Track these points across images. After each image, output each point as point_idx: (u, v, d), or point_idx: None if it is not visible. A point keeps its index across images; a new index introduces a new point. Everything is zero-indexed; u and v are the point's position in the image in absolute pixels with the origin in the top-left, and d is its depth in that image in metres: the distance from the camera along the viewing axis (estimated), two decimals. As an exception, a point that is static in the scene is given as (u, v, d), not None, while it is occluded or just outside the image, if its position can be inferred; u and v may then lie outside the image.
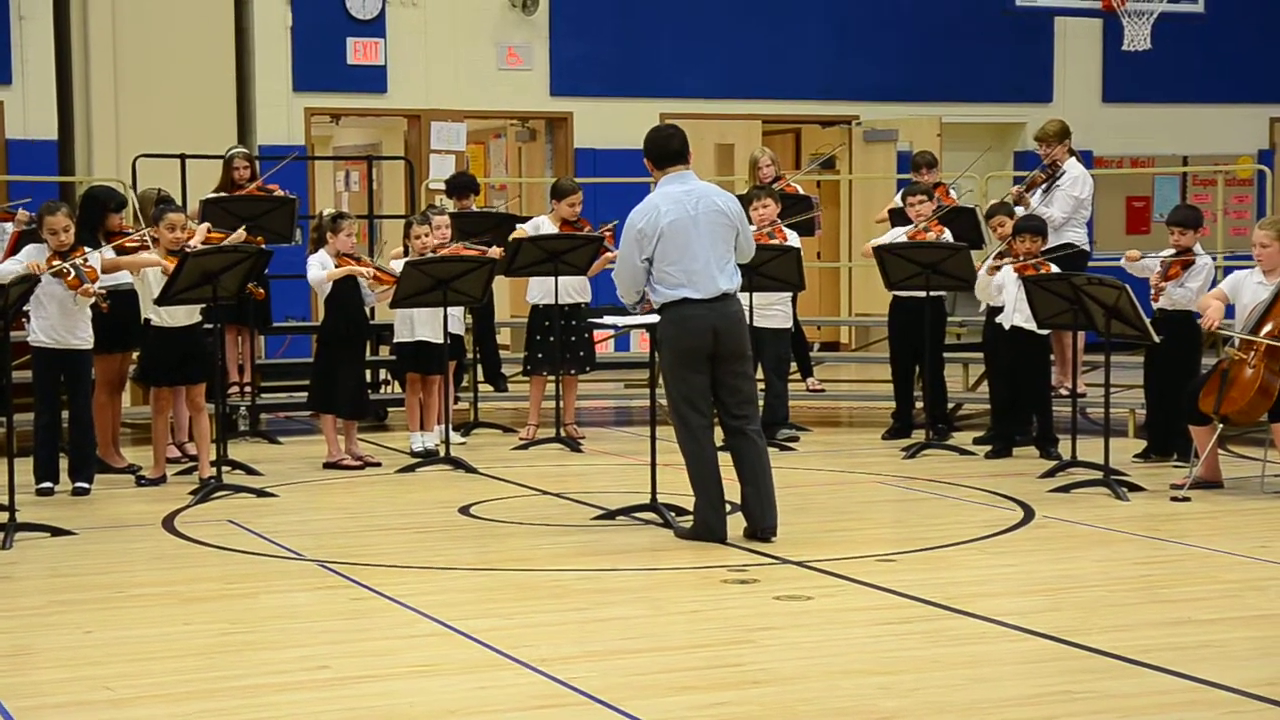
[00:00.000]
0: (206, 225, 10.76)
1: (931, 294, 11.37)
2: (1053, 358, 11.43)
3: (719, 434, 8.24)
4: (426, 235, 11.13)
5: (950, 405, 12.41)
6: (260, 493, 9.68)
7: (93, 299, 9.45)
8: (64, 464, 9.78)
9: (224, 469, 9.84)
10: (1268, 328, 9.29)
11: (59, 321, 9.47)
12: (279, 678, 5.74)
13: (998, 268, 10.84)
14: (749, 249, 8.37)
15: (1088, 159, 13.64)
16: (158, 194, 11.43)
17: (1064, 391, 11.44)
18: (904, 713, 5.28)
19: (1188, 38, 18.40)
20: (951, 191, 12.93)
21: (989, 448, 11.14)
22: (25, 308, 9.22)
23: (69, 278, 9.35)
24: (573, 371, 11.97)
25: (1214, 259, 10.74)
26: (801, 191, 13.51)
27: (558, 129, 17.69)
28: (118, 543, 8.41)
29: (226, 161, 12.42)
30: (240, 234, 10.87)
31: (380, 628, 6.52)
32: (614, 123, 17.30)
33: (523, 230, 11.91)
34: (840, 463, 11.05)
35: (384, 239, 14.34)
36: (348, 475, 10.60)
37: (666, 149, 8.28)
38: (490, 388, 13.32)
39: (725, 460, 8.17)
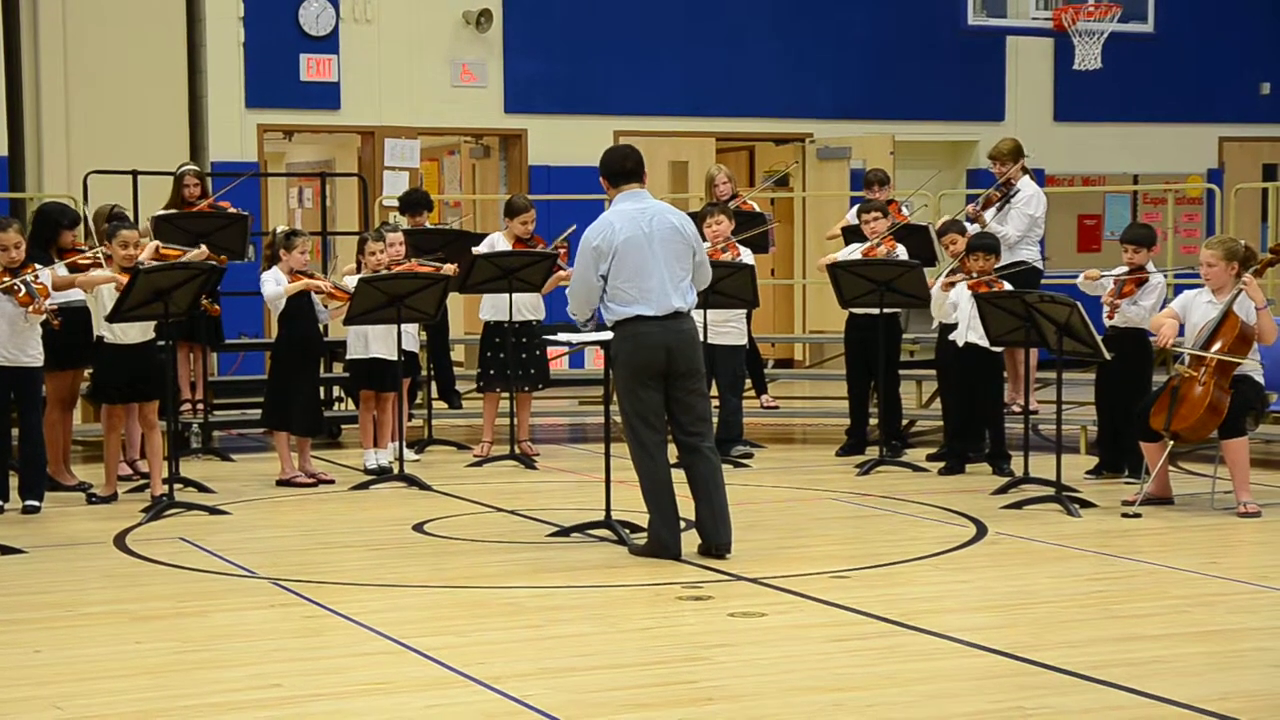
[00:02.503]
0: (156, 244, 10.67)
1: (886, 311, 11.42)
2: (1005, 375, 11.48)
3: (673, 451, 8.25)
4: (381, 252, 11.12)
5: (904, 422, 12.45)
6: (213, 510, 9.63)
7: (44, 316, 9.40)
8: (14, 482, 9.71)
9: (176, 486, 9.79)
10: (1217, 345, 9.37)
11: (9, 339, 9.40)
12: (231, 696, 5.71)
13: (952, 284, 10.89)
14: (705, 275, 8.39)
15: (1039, 177, 13.71)
16: (110, 210, 11.36)
17: (1016, 408, 11.49)
18: (858, 729, 5.29)
19: (1138, 57, 18.55)
20: (904, 209, 12.99)
21: (942, 464, 11.18)
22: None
23: (20, 295, 9.29)
24: (526, 389, 11.96)
25: (1165, 277, 10.82)
26: (757, 209, 13.55)
27: (512, 146, 17.70)
28: (68, 561, 8.35)
29: (177, 179, 12.36)
30: (201, 251, 10.80)
31: (333, 646, 6.50)
32: (568, 140, 17.31)
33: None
34: (794, 479, 11.06)
35: (337, 255, 14.31)
36: (301, 492, 10.55)
37: (621, 168, 8.31)
38: (444, 404, 13.30)
39: (679, 477, 8.18)
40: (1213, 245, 9.64)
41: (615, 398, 8.39)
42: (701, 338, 8.41)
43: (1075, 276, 10.97)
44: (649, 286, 8.05)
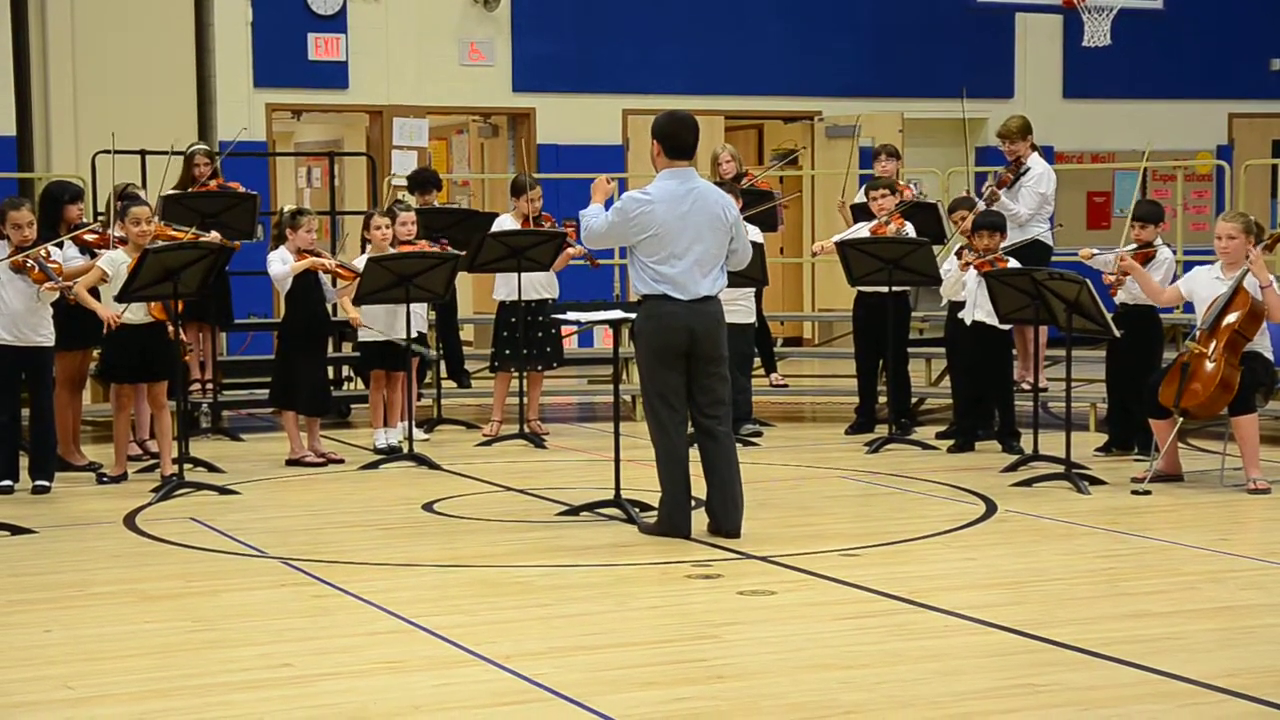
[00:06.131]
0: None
1: (895, 289, 11.40)
2: (1015, 352, 11.47)
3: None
4: (387, 228, 11.10)
5: (913, 400, 12.44)
6: (222, 490, 9.64)
7: (57, 295, 9.42)
8: (24, 462, 9.73)
9: (186, 466, 9.79)
10: (1229, 319, 9.34)
11: (24, 318, 9.43)
12: (241, 676, 5.72)
13: (970, 264, 10.81)
14: (744, 256, 8.32)
15: (1049, 154, 13.67)
16: (123, 190, 11.34)
17: (1026, 386, 11.48)
18: (867, 706, 5.29)
19: (1147, 33, 18.48)
20: (912, 186, 12.94)
21: (951, 442, 11.18)
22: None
23: (34, 272, 9.31)
24: (540, 368, 11.95)
25: (1173, 253, 10.79)
26: (768, 186, 13.52)
27: (520, 125, 17.67)
28: (79, 541, 8.36)
29: (187, 158, 12.34)
30: (213, 236, 10.78)
31: (343, 625, 6.50)
32: (576, 119, 17.30)
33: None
34: (803, 458, 11.06)
35: (346, 232, 14.28)
36: (310, 472, 10.56)
37: (682, 142, 8.12)
38: (454, 384, 13.29)
39: (695, 456, 8.17)
40: (1231, 218, 9.62)
41: (626, 377, 8.38)
42: (724, 322, 8.29)
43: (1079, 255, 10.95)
44: (679, 271, 7.98)
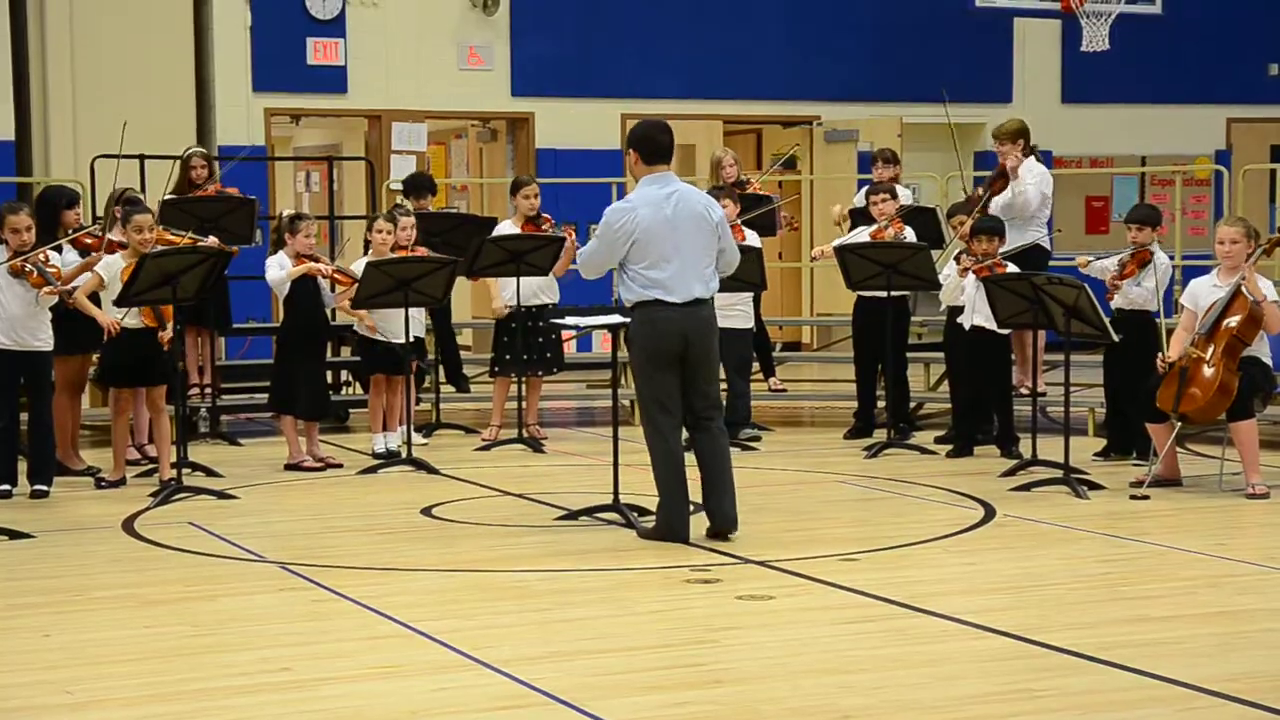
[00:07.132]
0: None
1: (895, 294, 11.40)
2: (1013, 357, 11.47)
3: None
4: (388, 233, 11.10)
5: (912, 405, 12.44)
6: (221, 494, 9.64)
7: (56, 299, 9.42)
8: (23, 466, 9.73)
9: (184, 471, 9.78)
10: (1228, 322, 9.33)
11: (23, 323, 9.42)
12: (240, 680, 5.72)
13: (967, 270, 10.81)
14: (732, 259, 8.31)
15: (1047, 159, 13.65)
16: (122, 194, 11.32)
17: (1024, 391, 11.48)
18: (866, 711, 5.29)
19: (1146, 39, 18.51)
20: (899, 189, 12.91)
21: (950, 447, 11.17)
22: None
23: (33, 276, 9.31)
24: (540, 373, 11.94)
25: (1171, 258, 10.78)
26: (770, 194, 13.52)
27: (519, 129, 17.68)
28: (77, 545, 8.36)
29: (184, 161, 12.34)
30: (211, 241, 10.79)
31: (341, 629, 6.50)
32: (575, 123, 17.31)
33: None
34: (802, 462, 11.07)
35: (347, 237, 14.29)
36: (309, 476, 10.56)
37: (657, 144, 8.15)
38: (452, 388, 13.29)
39: (691, 459, 8.17)
40: (1234, 223, 9.62)
41: (624, 381, 8.38)
42: (718, 326, 8.30)
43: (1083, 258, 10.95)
44: (670, 274, 7.99)
